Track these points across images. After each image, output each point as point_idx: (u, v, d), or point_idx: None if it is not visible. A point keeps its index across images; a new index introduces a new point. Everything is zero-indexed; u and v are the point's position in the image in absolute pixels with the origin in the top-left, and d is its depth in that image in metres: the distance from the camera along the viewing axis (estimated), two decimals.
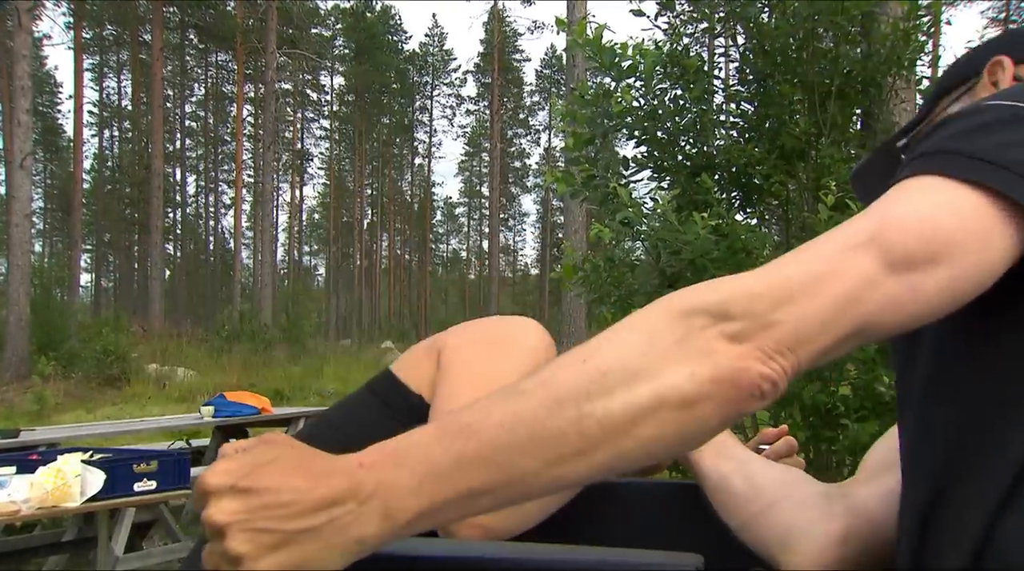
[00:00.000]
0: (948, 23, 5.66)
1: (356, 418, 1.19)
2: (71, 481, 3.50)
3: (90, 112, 43.73)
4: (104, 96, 46.18)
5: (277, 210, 43.51)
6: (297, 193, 51.96)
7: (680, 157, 4.34)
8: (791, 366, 0.61)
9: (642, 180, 4.43)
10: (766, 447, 1.17)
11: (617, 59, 4.11)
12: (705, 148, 4.33)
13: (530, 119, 53.69)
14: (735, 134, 4.47)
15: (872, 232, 0.63)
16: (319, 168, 53.48)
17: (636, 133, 4.28)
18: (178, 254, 48.03)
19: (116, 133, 47.38)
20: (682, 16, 4.66)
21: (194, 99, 46.84)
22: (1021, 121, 0.69)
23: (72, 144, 32.69)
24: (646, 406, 0.59)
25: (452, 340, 1.19)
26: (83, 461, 3.63)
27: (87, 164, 42.59)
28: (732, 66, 4.81)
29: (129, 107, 44.12)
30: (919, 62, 4.26)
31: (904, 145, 1.00)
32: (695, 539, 0.86)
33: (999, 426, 0.67)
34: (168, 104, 41.23)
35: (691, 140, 4.36)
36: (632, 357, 0.60)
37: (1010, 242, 0.65)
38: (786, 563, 0.89)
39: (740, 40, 4.53)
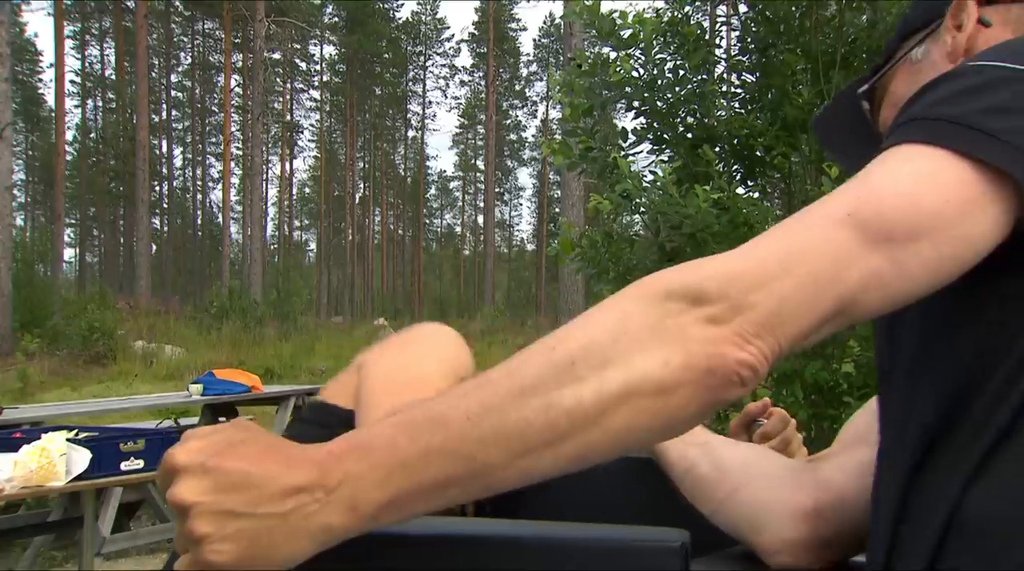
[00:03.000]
0: None
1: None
2: (56, 460, 3.50)
3: (72, 81, 43.48)
4: (87, 65, 45.90)
5: (267, 184, 43.41)
6: (287, 166, 51.81)
7: (680, 129, 4.32)
8: (771, 350, 0.60)
9: (641, 152, 4.42)
10: (763, 421, 1.16)
11: (616, 28, 4.09)
12: (706, 120, 4.32)
13: (526, 90, 53.47)
14: (736, 105, 4.46)
15: (851, 206, 0.62)
16: (309, 141, 53.31)
17: (635, 104, 4.26)
18: (165, 229, 47.93)
19: (99, 103, 47.13)
20: None
21: (180, 69, 46.57)
22: (1009, 83, 0.67)
23: (54, 114, 32.50)
24: (617, 395, 0.58)
25: (371, 354, 1.25)
26: (68, 440, 3.64)
27: (69, 135, 42.43)
28: (734, 35, 4.78)
29: (113, 76, 43.82)
30: None
31: (866, 91, 0.97)
32: (681, 514, 0.86)
33: (981, 400, 0.66)
34: (153, 74, 40.97)
35: (692, 111, 4.34)
36: (603, 344, 0.59)
37: (998, 215, 0.63)
38: (759, 544, 0.88)
39: (742, 8, 4.50)
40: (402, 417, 0.61)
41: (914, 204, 0.62)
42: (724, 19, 5.02)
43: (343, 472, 0.59)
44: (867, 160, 0.90)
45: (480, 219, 55.16)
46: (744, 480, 0.91)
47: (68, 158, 39.52)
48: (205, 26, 44.25)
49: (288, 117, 49.28)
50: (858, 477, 0.87)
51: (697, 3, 4.54)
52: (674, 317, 0.59)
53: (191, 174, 49.73)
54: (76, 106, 45.80)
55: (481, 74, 49.93)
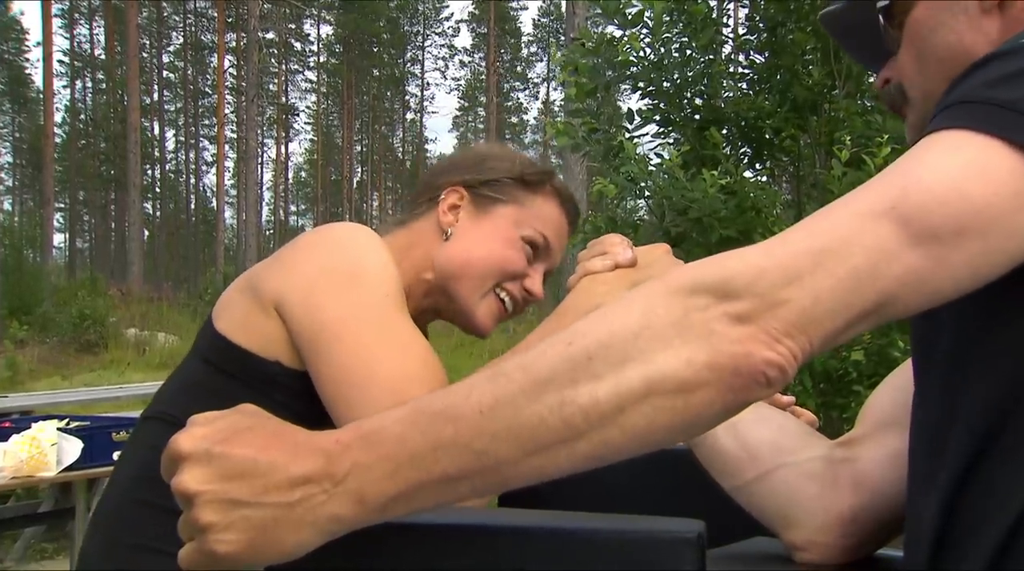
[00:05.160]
0: None
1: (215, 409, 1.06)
2: (47, 450, 3.50)
3: (60, 61, 43.30)
4: (75, 44, 45.75)
5: (262, 167, 43.39)
6: (283, 149, 51.77)
7: (687, 110, 4.31)
8: (801, 350, 0.58)
9: (646, 135, 4.41)
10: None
11: (622, 6, 4.07)
12: (713, 101, 4.30)
13: (528, 72, 53.32)
14: (744, 86, 4.45)
15: (893, 199, 0.60)
16: (306, 123, 53.17)
17: (641, 84, 4.25)
18: (157, 213, 47.89)
19: (89, 84, 46.99)
20: None
21: (172, 48, 46.43)
22: None
23: (42, 95, 32.47)
24: (636, 393, 0.57)
25: (289, 287, 1.10)
26: (59, 429, 3.64)
27: (58, 117, 42.33)
28: (742, 13, 4.77)
29: (102, 56, 43.72)
30: None
31: (885, 8, 0.88)
32: (696, 504, 0.86)
33: None
34: (144, 54, 40.86)
35: (699, 92, 4.33)
36: (623, 339, 0.58)
37: None
38: (788, 539, 0.89)
39: None
40: (413, 406, 0.61)
41: (961, 197, 0.60)
42: None
43: (351, 462, 0.59)
44: (876, 61, 0.85)
45: None
46: (774, 464, 0.91)
47: (57, 141, 39.46)
48: (197, 4, 44.11)
49: (283, 99, 49.19)
50: (891, 469, 0.87)
51: None
52: (699, 313, 0.58)
53: (184, 157, 49.71)
54: (65, 87, 45.72)
55: (481, 55, 49.81)
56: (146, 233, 40.07)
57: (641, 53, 4.18)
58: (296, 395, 1.09)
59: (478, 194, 1.26)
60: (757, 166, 4.41)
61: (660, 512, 0.65)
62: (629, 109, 4.37)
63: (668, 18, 4.20)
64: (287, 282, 1.10)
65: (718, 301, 0.58)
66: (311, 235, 1.18)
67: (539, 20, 51.99)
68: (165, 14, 44.32)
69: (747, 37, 4.55)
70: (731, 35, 4.70)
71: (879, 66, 0.91)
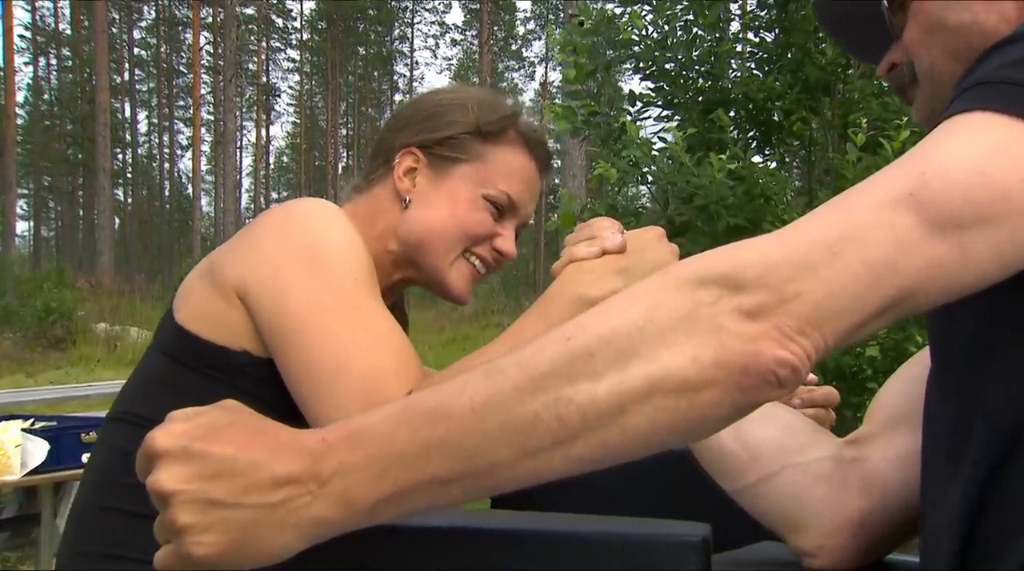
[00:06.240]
0: None
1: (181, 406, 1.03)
2: (10, 452, 3.50)
3: (21, 36, 43.13)
4: (38, 18, 45.57)
5: (240, 152, 43.32)
6: (263, 133, 51.65)
7: (692, 92, 4.31)
8: (815, 347, 0.58)
9: (649, 118, 4.41)
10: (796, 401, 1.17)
11: None
12: (720, 82, 4.30)
13: (523, 51, 53.26)
14: (753, 66, 4.45)
15: (913, 185, 0.59)
16: (288, 105, 53.10)
17: (643, 65, 4.25)
18: (129, 200, 47.81)
19: (54, 61, 46.81)
20: None
21: (143, 24, 46.26)
22: None
23: (2, 73, 32.38)
24: (637, 392, 0.56)
25: (251, 273, 1.09)
26: (23, 430, 3.64)
27: (20, 96, 42.08)
28: None
29: (68, 31, 43.54)
30: None
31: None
32: (699, 507, 0.86)
33: None
34: (113, 29, 40.71)
35: (704, 73, 4.33)
36: (625, 334, 0.57)
37: None
38: (795, 544, 0.89)
39: None
40: (404, 404, 0.61)
41: (984, 183, 0.59)
42: None
43: (337, 462, 0.58)
44: (875, 51, 0.85)
45: None
46: (778, 466, 0.91)
47: (19, 122, 39.32)
48: None
49: (264, 79, 49.08)
50: (902, 469, 0.87)
51: None
52: (707, 307, 0.57)
53: (157, 141, 49.55)
54: (27, 63, 45.50)
55: (474, 32, 49.72)
56: (117, 221, 39.99)
57: (644, 31, 4.18)
58: (261, 381, 1.08)
59: (434, 155, 1.24)
60: (766, 151, 4.41)
61: (661, 515, 0.65)
62: (631, 91, 4.37)
63: None
64: (249, 268, 1.09)
65: (728, 294, 0.57)
66: (271, 215, 1.16)
67: None
68: None
69: (756, 13, 4.55)
70: (739, 12, 4.70)
71: (872, 56, 0.92)
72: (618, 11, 4.26)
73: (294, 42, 49.97)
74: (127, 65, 45.27)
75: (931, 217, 0.58)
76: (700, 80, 4.35)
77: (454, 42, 54.86)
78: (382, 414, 0.60)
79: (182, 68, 46.34)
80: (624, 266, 1.06)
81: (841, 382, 3.66)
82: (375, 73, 52.84)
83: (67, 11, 43.87)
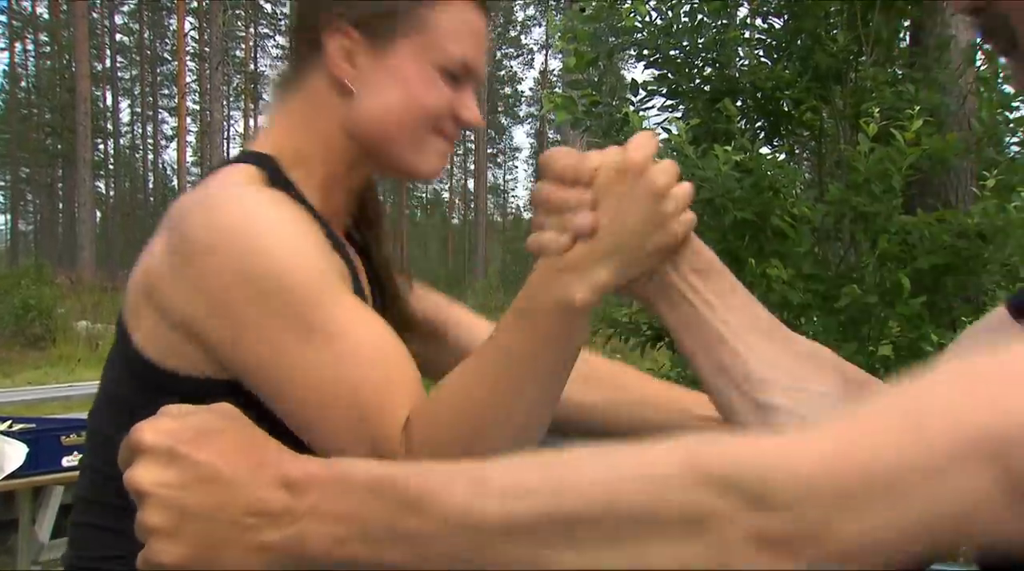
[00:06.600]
0: None
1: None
2: None
3: None
4: (14, 1, 45.49)
5: (227, 143, 43.22)
6: (251, 122, 51.57)
7: (697, 80, 4.31)
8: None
9: (653, 107, 4.41)
10: None
11: None
12: (726, 70, 4.30)
13: (522, 38, 53.22)
14: (761, 53, 4.44)
15: (999, 437, 0.49)
16: None
17: (646, 52, 4.25)
18: (111, 193, 47.78)
19: (31, 47, 46.75)
20: None
21: (126, 8, 46.19)
22: None
23: None
24: None
25: (199, 313, 1.01)
26: (1, 432, 3.64)
27: None
28: None
29: (46, 16, 43.47)
30: None
31: None
32: None
33: None
34: (94, 13, 40.66)
35: (710, 60, 4.33)
36: (619, 516, 0.53)
37: None
38: None
39: None
40: (393, 473, 0.60)
41: None
42: None
43: (312, 504, 0.59)
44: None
45: (471, 184, 55.07)
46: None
47: None
48: None
49: (252, 66, 49.02)
50: None
51: None
52: (719, 517, 0.51)
53: (140, 131, 49.49)
54: (2, 49, 45.47)
55: None
56: (98, 214, 39.98)
57: (647, 17, 4.17)
58: (229, 393, 1.00)
59: (370, 30, 1.11)
60: (775, 142, 4.40)
61: None
62: (633, 80, 4.37)
63: None
64: (192, 306, 1.01)
65: (749, 510, 0.50)
66: (194, 223, 1.02)
67: None
68: None
69: None
70: None
71: None
72: None
73: (283, 28, 49.91)
74: (109, 51, 45.19)
75: (1012, 483, 0.49)
76: (706, 68, 4.34)
77: None
78: (370, 471, 0.61)
79: (166, 55, 46.28)
80: (608, 248, 0.87)
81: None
82: None
83: None
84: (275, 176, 1.10)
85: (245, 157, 1.13)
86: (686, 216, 0.89)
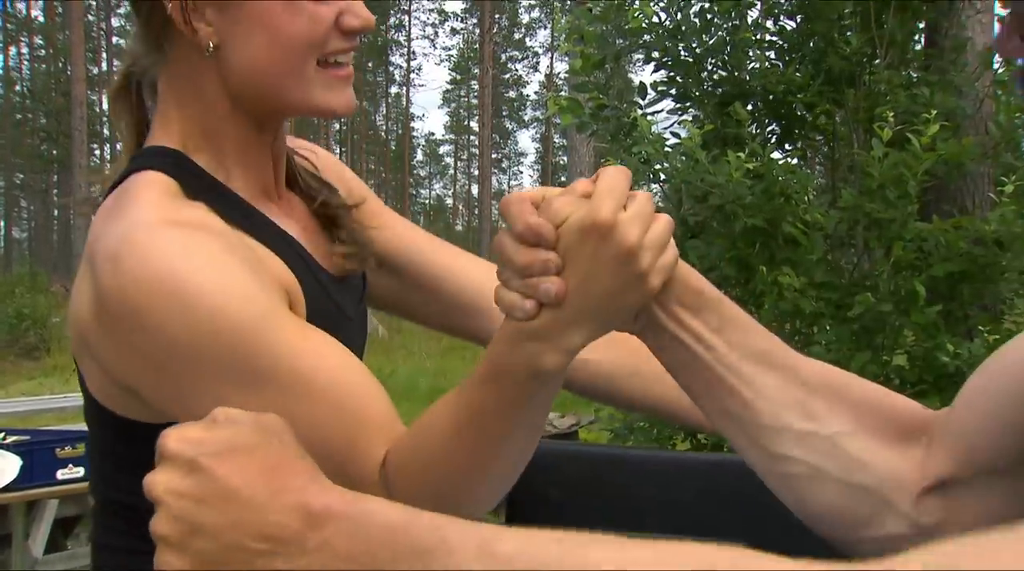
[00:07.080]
0: None
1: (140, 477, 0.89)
2: None
3: None
4: (8, 4, 45.67)
5: None
6: None
7: (707, 84, 4.31)
8: None
9: (661, 111, 4.41)
10: None
11: None
12: (737, 73, 4.30)
13: (528, 40, 53.32)
14: (773, 55, 4.45)
15: None
16: None
17: (655, 54, 4.25)
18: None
19: (26, 51, 46.92)
20: None
21: (122, 11, 46.31)
22: None
23: None
24: None
25: (143, 383, 0.95)
26: None
27: None
28: None
29: (41, 18, 43.63)
30: None
31: None
32: (737, 522, 0.86)
33: None
34: (90, 16, 40.79)
35: (721, 63, 4.33)
36: None
37: None
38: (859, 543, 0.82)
39: None
40: (408, 518, 0.60)
41: None
42: None
43: (326, 538, 0.59)
44: None
45: (474, 189, 55.14)
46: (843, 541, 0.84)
47: None
48: None
49: None
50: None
51: None
52: None
53: None
54: None
55: (475, 21, 49.75)
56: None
57: (655, 19, 4.18)
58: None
59: None
60: (787, 146, 4.40)
61: (697, 529, 0.65)
62: (641, 82, 4.37)
63: None
64: (132, 367, 0.95)
65: None
66: (119, 292, 0.90)
67: None
68: None
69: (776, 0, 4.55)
70: None
71: None
72: None
73: None
74: (105, 55, 45.33)
75: None
76: (716, 71, 4.34)
77: (454, 31, 54.99)
78: (389, 518, 0.60)
79: None
80: (578, 314, 0.80)
81: None
82: (369, 64, 52.89)
83: None
84: (188, 178, 1.02)
85: (151, 159, 1.03)
86: (665, 260, 0.80)
